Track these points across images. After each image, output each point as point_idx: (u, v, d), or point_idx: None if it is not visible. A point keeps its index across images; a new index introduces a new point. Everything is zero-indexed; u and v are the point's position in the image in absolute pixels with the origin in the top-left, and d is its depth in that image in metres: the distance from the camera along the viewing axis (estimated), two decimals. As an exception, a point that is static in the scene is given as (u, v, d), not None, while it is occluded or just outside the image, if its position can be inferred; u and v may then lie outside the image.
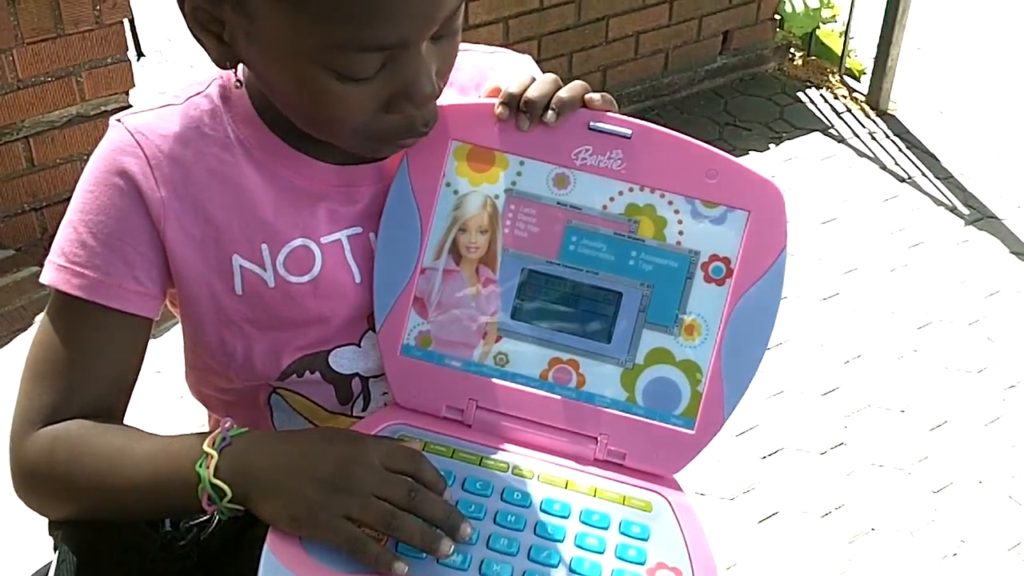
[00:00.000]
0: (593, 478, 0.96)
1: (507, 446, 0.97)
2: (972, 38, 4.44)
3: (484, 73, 1.08)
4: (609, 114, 0.97)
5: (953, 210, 3.42)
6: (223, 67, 0.93)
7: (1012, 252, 3.24)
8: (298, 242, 0.98)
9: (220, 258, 0.97)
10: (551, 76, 0.98)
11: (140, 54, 2.76)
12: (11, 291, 2.55)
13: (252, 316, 0.99)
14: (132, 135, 0.96)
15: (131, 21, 2.73)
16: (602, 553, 0.89)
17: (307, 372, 1.02)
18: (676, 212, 0.97)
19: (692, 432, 0.97)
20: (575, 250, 0.98)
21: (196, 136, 0.97)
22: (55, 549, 0.97)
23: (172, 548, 0.98)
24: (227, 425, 0.89)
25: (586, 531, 0.90)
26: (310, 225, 0.98)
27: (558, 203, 0.98)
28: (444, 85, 0.94)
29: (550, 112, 0.95)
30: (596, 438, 0.98)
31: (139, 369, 1.00)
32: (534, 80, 0.97)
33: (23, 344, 2.41)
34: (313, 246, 0.99)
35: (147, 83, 2.97)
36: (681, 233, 0.97)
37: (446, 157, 0.98)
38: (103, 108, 2.79)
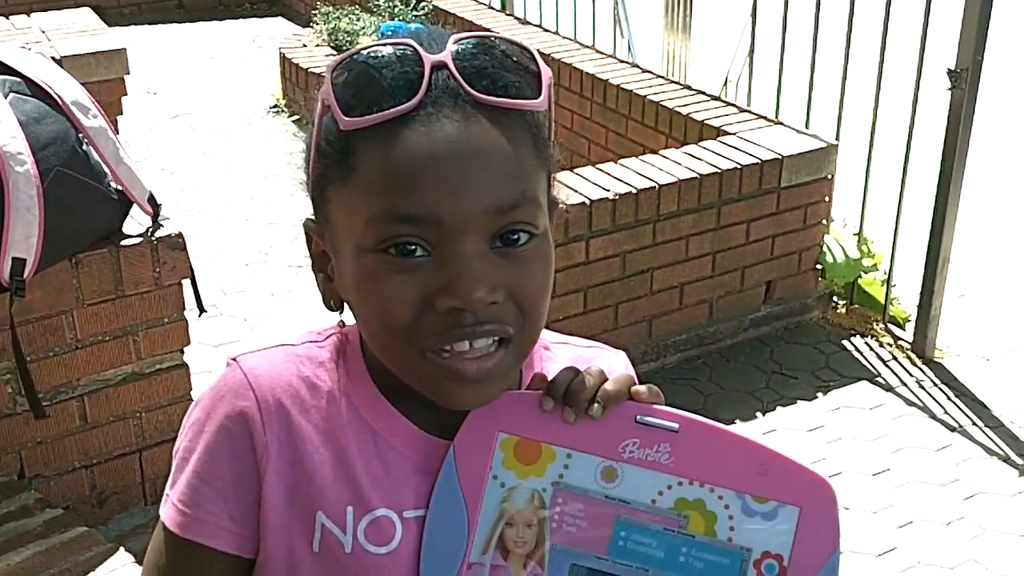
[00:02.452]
0: None
1: None
2: (1015, 284, 4.47)
3: (580, 364, 1.06)
4: (656, 407, 0.97)
5: (1006, 460, 3.36)
6: (328, 306, 1.00)
7: (1072, 504, 3.16)
8: (381, 512, 0.98)
9: (305, 512, 0.98)
10: (597, 368, 0.99)
11: (202, 310, 2.83)
12: (58, 552, 2.54)
13: (325, 575, 0.99)
14: (247, 376, 1.00)
15: (192, 278, 2.82)
16: None
17: None
18: (727, 507, 0.95)
19: None
20: (624, 546, 0.96)
21: (306, 385, 1.01)
22: None
23: None
24: None
25: None
26: (398, 496, 0.99)
27: (606, 497, 0.96)
28: (526, 319, 0.93)
29: (596, 406, 0.95)
30: None
31: None
32: (580, 373, 0.98)
33: (65, 605, 2.39)
34: (395, 518, 0.98)
35: (202, 338, 3.05)
36: (732, 529, 0.95)
37: (493, 449, 0.97)
38: (158, 366, 2.86)
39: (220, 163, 5.37)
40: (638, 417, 0.96)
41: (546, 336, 1.08)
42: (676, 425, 0.96)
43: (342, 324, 1.03)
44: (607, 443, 0.96)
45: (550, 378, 0.99)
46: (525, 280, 0.92)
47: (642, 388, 0.97)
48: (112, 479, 2.88)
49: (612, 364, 1.10)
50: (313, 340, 1.05)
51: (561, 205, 1.02)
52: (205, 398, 1.02)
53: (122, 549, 2.54)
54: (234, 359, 1.03)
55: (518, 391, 1.02)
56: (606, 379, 0.98)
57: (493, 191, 0.89)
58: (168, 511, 1.01)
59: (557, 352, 1.08)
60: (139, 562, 2.50)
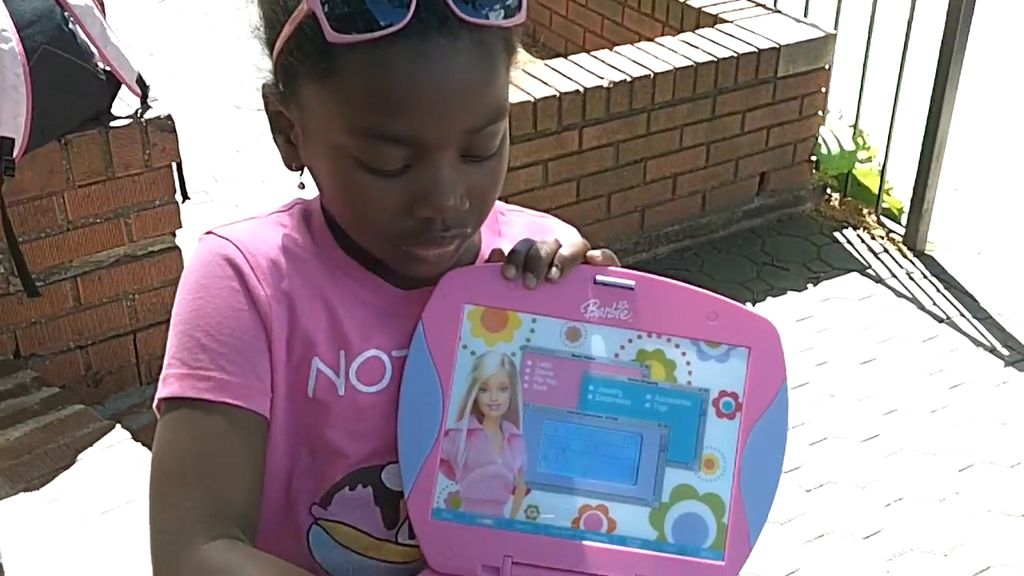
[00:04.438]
0: None
1: None
2: (1009, 179, 4.47)
3: (535, 232, 1.12)
4: (612, 268, 1.03)
5: (992, 351, 3.39)
6: (289, 167, 1.03)
7: (1055, 393, 3.20)
8: (372, 352, 1.03)
9: (302, 358, 1.01)
10: (553, 239, 1.04)
11: (185, 196, 2.83)
12: (54, 428, 2.58)
13: (319, 420, 1.02)
14: (231, 241, 1.02)
15: (179, 165, 2.82)
16: None
17: (359, 485, 1.04)
18: (684, 354, 1.02)
19: (723, 563, 1.00)
20: (593, 399, 1.02)
21: (285, 244, 1.03)
22: None
23: None
24: None
25: None
26: (383, 339, 1.03)
27: (572, 355, 1.02)
28: (481, 216, 1.00)
29: (554, 270, 1.01)
30: None
31: (264, 475, 0.99)
32: (536, 244, 1.03)
33: (65, 482, 2.43)
34: (385, 358, 1.03)
35: (194, 223, 3.05)
36: (691, 373, 1.02)
37: (460, 320, 1.02)
38: (150, 249, 2.86)
39: (209, 49, 5.30)
40: (596, 278, 1.02)
41: (499, 205, 1.12)
42: (632, 283, 1.02)
43: (302, 186, 1.06)
44: (569, 305, 1.02)
45: (509, 247, 1.04)
46: (487, 183, 0.98)
47: (596, 252, 1.04)
48: (107, 360, 2.90)
49: (566, 234, 1.14)
50: (280, 211, 1.08)
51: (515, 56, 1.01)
52: (194, 269, 1.02)
53: (119, 426, 2.58)
54: (209, 232, 1.04)
55: (480, 264, 1.06)
56: (561, 246, 1.03)
57: (472, 114, 0.93)
58: (188, 383, 0.96)
59: (512, 218, 1.14)
60: (136, 439, 2.54)
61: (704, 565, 0.99)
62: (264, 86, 1.01)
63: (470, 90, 0.92)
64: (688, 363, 1.02)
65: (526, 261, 1.02)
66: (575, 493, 1.01)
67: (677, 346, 1.02)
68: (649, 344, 1.02)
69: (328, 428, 1.03)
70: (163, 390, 0.98)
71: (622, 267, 1.04)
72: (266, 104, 1.02)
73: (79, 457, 2.50)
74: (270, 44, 0.97)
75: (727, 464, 1.01)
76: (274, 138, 1.03)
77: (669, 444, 1.01)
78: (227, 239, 1.02)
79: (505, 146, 0.99)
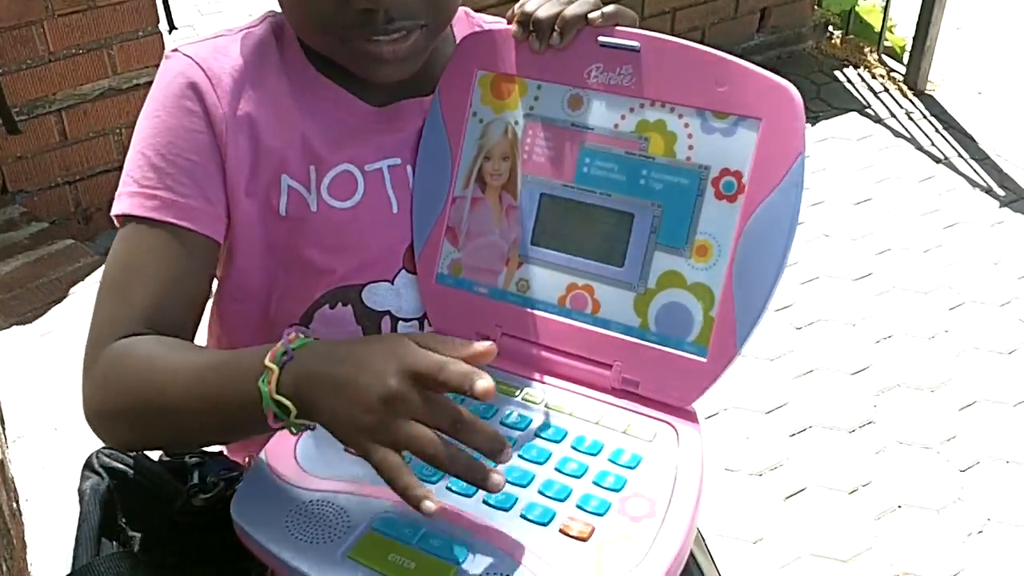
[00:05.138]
0: (604, 407, 0.95)
1: (529, 373, 0.97)
2: (1012, 18, 4.37)
3: None
4: (619, 28, 0.97)
5: (988, 191, 3.37)
6: None
7: (1050, 233, 3.19)
8: (343, 167, 1.01)
9: (270, 177, 1.00)
10: None
11: (172, 27, 2.76)
12: (45, 263, 2.58)
13: (293, 239, 1.01)
14: (192, 58, 0.99)
15: (164, -7, 2.74)
16: (579, 478, 0.87)
17: (339, 304, 1.04)
18: (686, 126, 0.94)
19: (705, 360, 0.93)
20: (589, 172, 0.97)
21: (251, 61, 1.01)
22: (79, 502, 0.97)
23: (196, 501, 0.97)
24: (290, 337, 0.83)
25: (571, 455, 0.89)
26: (355, 153, 1.02)
27: (572, 125, 0.98)
28: (436, 8, 0.96)
29: (554, 34, 0.97)
30: (611, 365, 0.96)
31: (209, 292, 1.01)
32: (543, 3, 0.99)
33: (58, 315, 2.44)
34: (357, 172, 1.02)
35: (180, 58, 2.99)
36: (691, 148, 0.94)
37: (472, 86, 1.00)
38: (135, 81, 2.81)
39: None
40: (600, 39, 0.97)
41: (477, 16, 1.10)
42: (637, 44, 0.96)
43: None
44: (574, 70, 0.98)
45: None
46: None
47: (596, 14, 0.97)
48: (96, 195, 2.88)
49: None
50: (250, 26, 1.05)
51: None
52: (155, 88, 1.01)
53: (108, 261, 2.57)
54: (175, 49, 1.01)
55: (493, 28, 1.04)
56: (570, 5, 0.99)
57: None
58: (133, 200, 0.97)
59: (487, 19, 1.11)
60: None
61: (684, 359, 0.93)
62: None
63: None
64: (690, 136, 0.94)
65: (532, 22, 0.98)
66: (563, 270, 0.98)
67: (680, 116, 0.94)
68: (651, 114, 0.95)
69: (304, 246, 1.02)
70: (115, 206, 0.99)
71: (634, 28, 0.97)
72: None
73: (71, 291, 2.51)
74: None
75: (722, 252, 0.92)
76: None
77: (661, 226, 0.94)
78: (190, 57, 0.99)
79: None
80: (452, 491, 0.86)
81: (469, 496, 0.85)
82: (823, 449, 2.42)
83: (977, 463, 2.40)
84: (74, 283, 2.52)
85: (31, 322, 2.43)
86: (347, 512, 0.84)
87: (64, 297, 2.49)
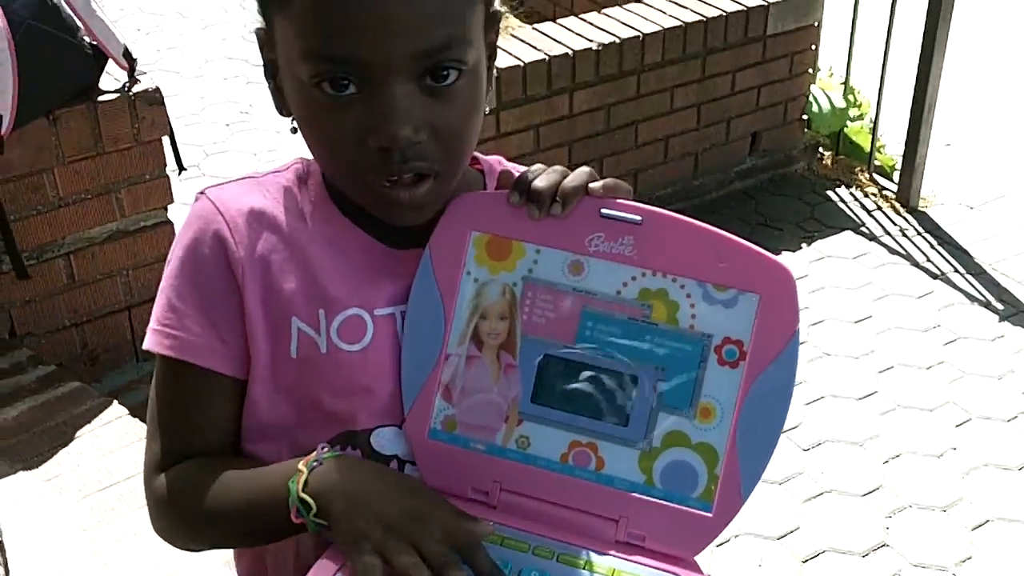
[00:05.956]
0: (613, 560, 0.96)
1: (534, 528, 0.98)
2: (1001, 132, 4.46)
3: None
4: (620, 200, 1.00)
5: (987, 306, 3.40)
6: (280, 112, 1.04)
7: (1050, 346, 3.21)
8: (353, 311, 1.03)
9: (282, 319, 1.02)
10: (559, 168, 1.02)
11: (181, 168, 2.82)
12: (52, 407, 2.58)
13: (303, 381, 1.03)
14: (213, 203, 1.04)
15: (171, 137, 2.80)
16: None
17: (349, 448, 1.04)
18: (688, 296, 0.99)
19: (710, 515, 0.97)
20: (591, 335, 1.00)
21: (272, 205, 1.05)
22: None
23: None
24: (323, 449, 0.96)
25: None
26: (367, 297, 1.03)
27: (574, 289, 1.00)
28: (451, 154, 0.98)
29: (556, 205, 1.00)
30: (616, 520, 0.98)
31: (239, 421, 1.07)
32: (541, 173, 1.02)
33: (64, 460, 2.43)
34: (367, 317, 1.03)
35: (186, 198, 3.03)
36: (694, 317, 0.98)
37: (466, 247, 1.02)
38: (142, 223, 2.85)
39: (197, 22, 5.26)
40: (603, 211, 1.00)
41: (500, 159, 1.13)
42: (639, 217, 0.99)
43: (294, 131, 1.06)
44: (574, 238, 1.00)
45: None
46: (450, 117, 0.96)
47: (597, 184, 1.01)
48: (103, 337, 2.89)
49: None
50: (276, 171, 1.10)
51: (502, 9, 1.03)
52: (181, 229, 1.06)
53: (116, 402, 2.58)
54: (202, 192, 1.06)
55: (488, 191, 1.07)
56: (568, 175, 1.01)
57: (420, 34, 0.91)
58: (154, 337, 1.04)
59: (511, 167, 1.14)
60: (134, 415, 2.54)
61: (690, 514, 0.97)
62: (256, 31, 1.03)
63: (417, 9, 0.91)
64: (692, 305, 0.98)
65: (530, 191, 1.00)
66: (566, 428, 1.00)
67: (682, 287, 0.99)
68: (653, 283, 0.99)
69: (316, 389, 1.03)
70: (145, 342, 1.07)
71: (633, 200, 1.01)
72: (261, 50, 1.03)
73: (77, 434, 2.50)
74: None
75: (725, 414, 0.97)
76: (268, 85, 1.04)
77: (665, 388, 0.99)
78: (212, 202, 1.04)
79: (477, 85, 0.97)
80: None
81: None
82: (837, 575, 2.40)
83: (994, 585, 2.37)
84: (80, 426, 2.51)
85: (38, 467, 2.41)
86: None
87: (71, 441, 2.48)
